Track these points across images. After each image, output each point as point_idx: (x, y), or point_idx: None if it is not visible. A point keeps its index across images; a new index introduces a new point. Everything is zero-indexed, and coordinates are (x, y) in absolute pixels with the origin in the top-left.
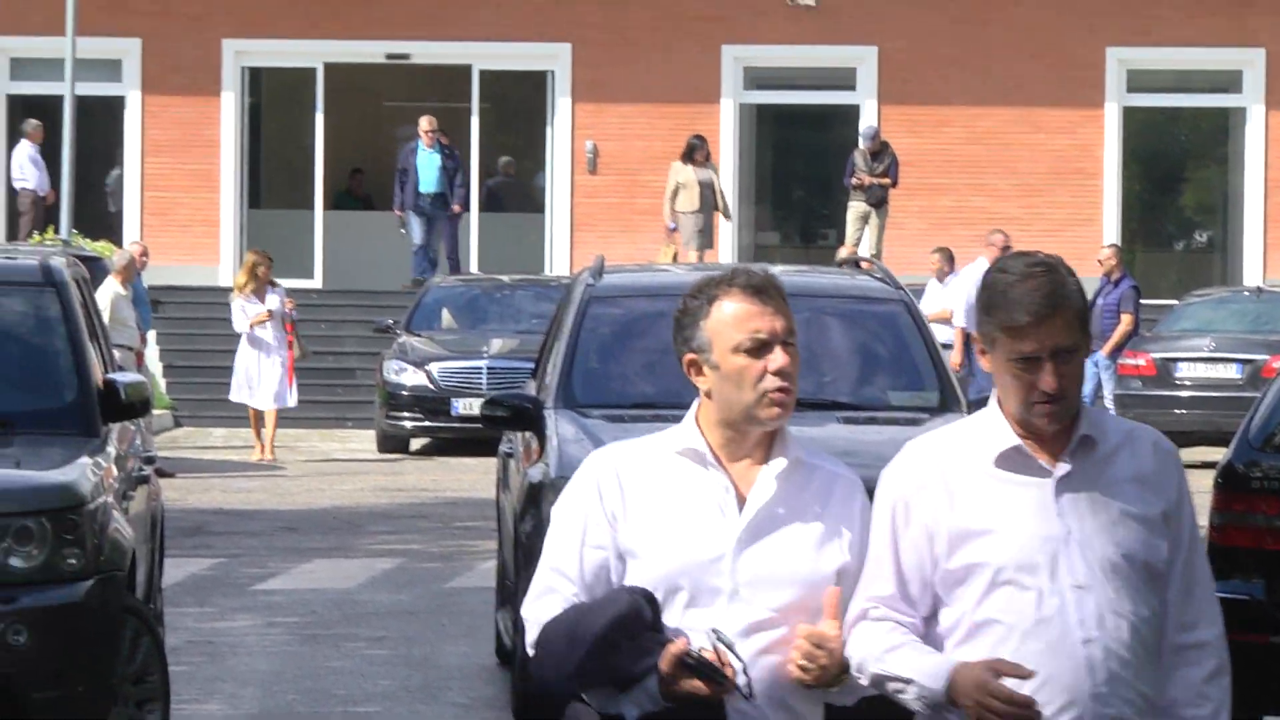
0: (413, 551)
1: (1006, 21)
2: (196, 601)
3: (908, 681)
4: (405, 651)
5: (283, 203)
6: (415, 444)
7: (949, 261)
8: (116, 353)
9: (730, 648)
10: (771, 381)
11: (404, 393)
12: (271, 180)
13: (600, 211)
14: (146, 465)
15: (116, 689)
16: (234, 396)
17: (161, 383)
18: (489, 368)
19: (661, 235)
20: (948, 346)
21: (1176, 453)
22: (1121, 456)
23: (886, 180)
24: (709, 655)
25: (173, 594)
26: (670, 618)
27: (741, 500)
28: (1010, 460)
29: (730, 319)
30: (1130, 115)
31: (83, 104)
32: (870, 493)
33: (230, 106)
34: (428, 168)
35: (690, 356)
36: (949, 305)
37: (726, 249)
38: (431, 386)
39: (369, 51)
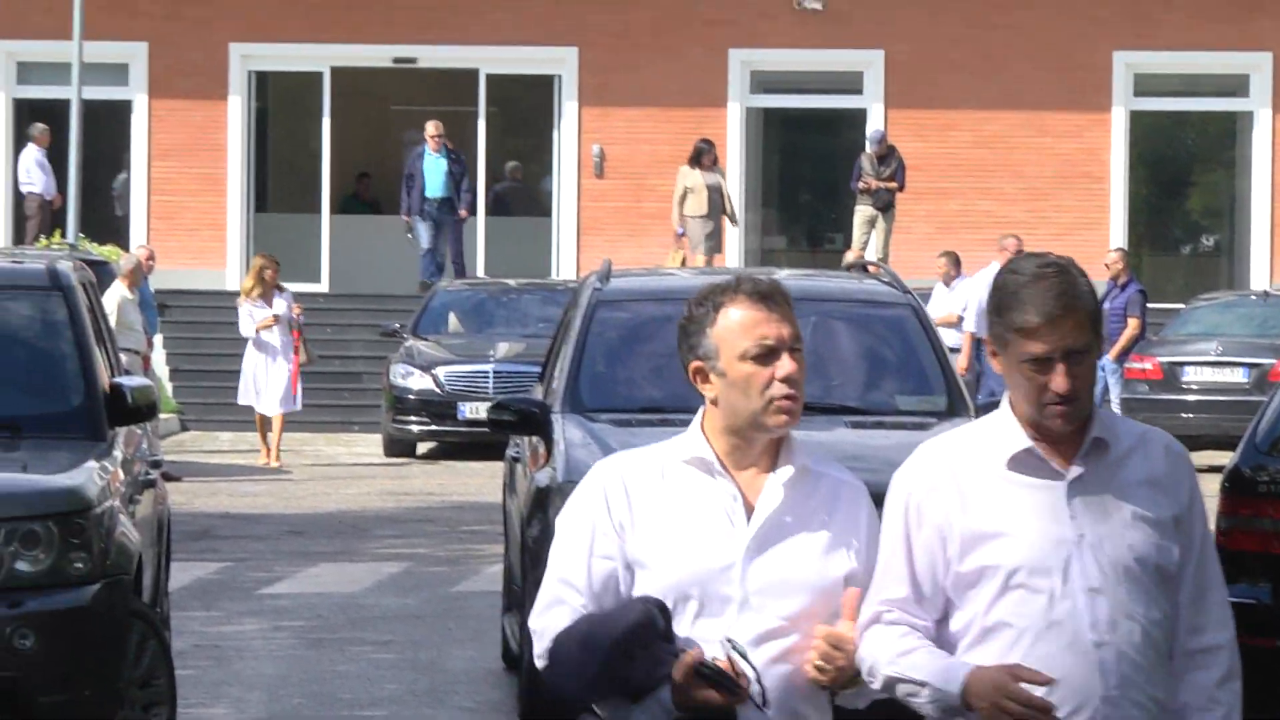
0: (419, 555)
1: (1013, 25)
2: (203, 605)
3: (921, 684)
4: (411, 656)
5: (289, 207)
6: (422, 448)
7: (955, 265)
8: (123, 357)
9: (744, 656)
10: (779, 389)
11: (410, 397)
12: (278, 184)
13: (607, 215)
14: (153, 469)
15: (123, 692)
16: (241, 400)
17: (168, 386)
18: (495, 372)
19: (669, 239)
20: (955, 350)
21: (1188, 456)
22: (1134, 459)
23: (893, 184)
24: (723, 664)
25: (179, 598)
26: (680, 627)
27: (749, 508)
28: (1022, 462)
29: (737, 326)
30: (1137, 119)
31: (89, 108)
32: (876, 498)
33: (237, 110)
34: (434, 172)
35: (696, 364)
36: (955, 309)
37: (733, 253)
38: (438, 390)
39: (375, 55)
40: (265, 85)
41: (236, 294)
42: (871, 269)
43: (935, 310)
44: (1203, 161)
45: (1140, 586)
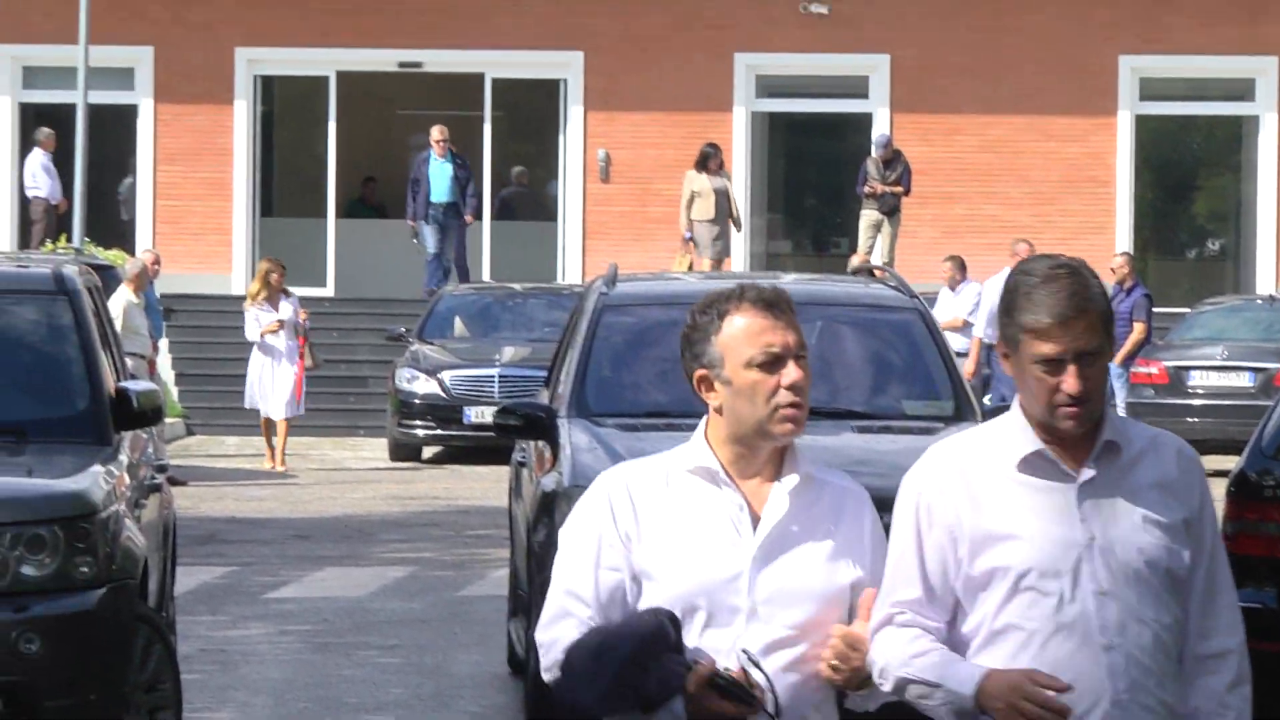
0: (425, 560)
1: (1019, 30)
2: (208, 610)
3: (935, 686)
4: (417, 660)
5: (295, 211)
6: (427, 452)
7: (961, 270)
8: (129, 361)
9: (759, 667)
10: (785, 396)
11: (416, 401)
12: (284, 188)
13: (612, 220)
14: (158, 473)
15: (128, 697)
16: (249, 404)
17: (174, 391)
18: (501, 376)
19: (674, 244)
20: (962, 355)
21: (1199, 460)
22: (1145, 463)
23: (899, 188)
24: (736, 675)
25: (185, 602)
26: (689, 638)
27: (755, 518)
28: (1033, 465)
29: (742, 334)
30: (1143, 123)
31: (95, 112)
32: (883, 503)
33: (243, 115)
34: (440, 177)
35: (701, 372)
36: (961, 313)
37: (738, 257)
38: (444, 395)
39: (381, 60)
40: (271, 89)
41: (242, 298)
42: (878, 273)
43: (941, 315)
44: (1209, 166)
45: (1150, 590)
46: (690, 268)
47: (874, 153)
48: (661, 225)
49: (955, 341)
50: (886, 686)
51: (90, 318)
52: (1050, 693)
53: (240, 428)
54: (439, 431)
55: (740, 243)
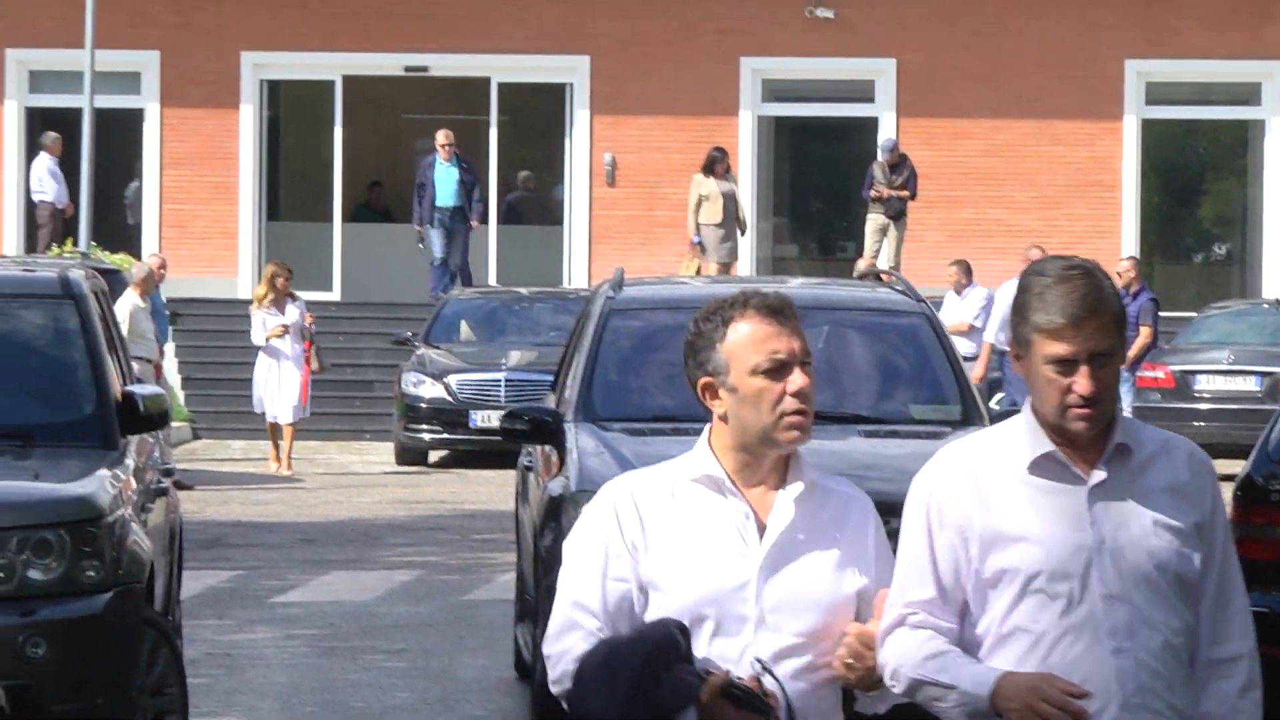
0: (431, 564)
1: (1025, 34)
2: (215, 614)
3: (949, 688)
4: (423, 664)
5: (301, 215)
6: (433, 456)
7: (966, 274)
8: (135, 365)
9: (772, 675)
10: (790, 403)
11: (422, 405)
12: (290, 193)
13: (619, 224)
14: (165, 477)
15: (135, 701)
16: (258, 408)
17: (180, 395)
18: (507, 380)
19: (681, 248)
20: (969, 359)
21: (1212, 464)
22: (1156, 466)
23: (905, 192)
24: (749, 684)
25: (191, 606)
26: (697, 647)
27: (761, 526)
28: (1043, 467)
29: (747, 340)
30: (1149, 128)
31: (101, 117)
32: (890, 507)
33: (249, 119)
34: (446, 181)
35: (706, 380)
36: (967, 318)
37: (745, 261)
38: (450, 399)
39: (387, 64)
40: (277, 94)
41: (248, 302)
42: (885, 277)
43: (946, 319)
44: (1215, 170)
45: (1160, 594)
46: (698, 272)
47: (880, 157)
48: (667, 229)
49: (961, 346)
50: (899, 688)
51: (96, 322)
52: (1068, 695)
53: (246, 432)
54: (445, 435)
55: (746, 247)
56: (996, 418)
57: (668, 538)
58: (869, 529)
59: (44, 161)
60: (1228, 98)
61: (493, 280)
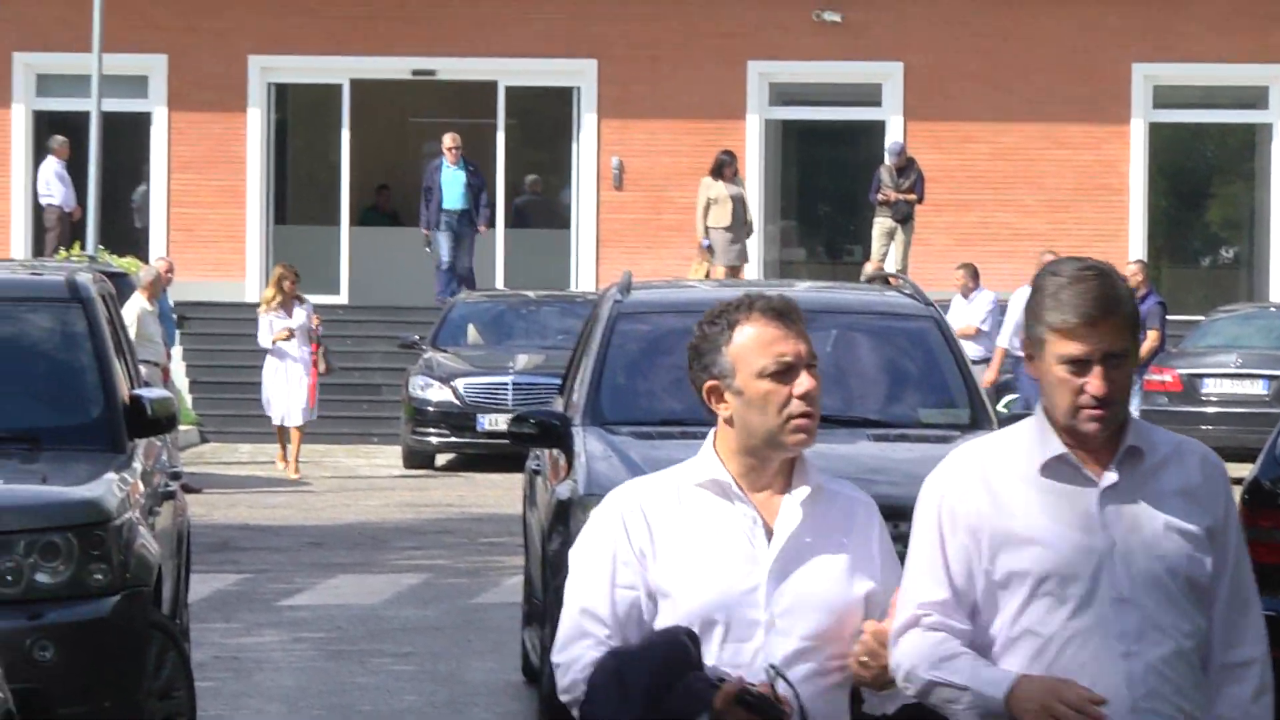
0: (438, 567)
1: (1032, 37)
2: (222, 617)
3: (963, 689)
4: (431, 667)
5: (309, 219)
6: (441, 459)
7: (974, 278)
8: (143, 368)
9: (786, 681)
10: (797, 406)
11: (430, 408)
12: (297, 196)
13: (626, 227)
14: (172, 481)
15: (142, 704)
16: (267, 409)
17: (188, 398)
18: (515, 383)
19: (689, 251)
20: (977, 363)
21: (1224, 468)
22: (1169, 469)
23: (912, 196)
24: (763, 690)
25: (199, 609)
26: (707, 653)
27: (768, 530)
28: (1055, 469)
29: (753, 343)
30: (1156, 131)
31: (109, 120)
32: (899, 511)
33: (256, 122)
34: (452, 185)
35: (711, 383)
36: (974, 321)
37: (752, 265)
38: (457, 402)
39: (395, 68)
40: (284, 97)
41: (256, 305)
42: (893, 281)
43: (954, 322)
44: (1222, 173)
45: (1170, 598)
46: (707, 275)
47: (887, 160)
48: (675, 233)
49: (968, 349)
50: (912, 690)
51: (104, 325)
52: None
53: (254, 435)
54: (453, 439)
55: (754, 250)
56: (1005, 421)
57: (676, 544)
58: (874, 531)
59: (51, 165)
60: (1235, 101)
61: (500, 284)
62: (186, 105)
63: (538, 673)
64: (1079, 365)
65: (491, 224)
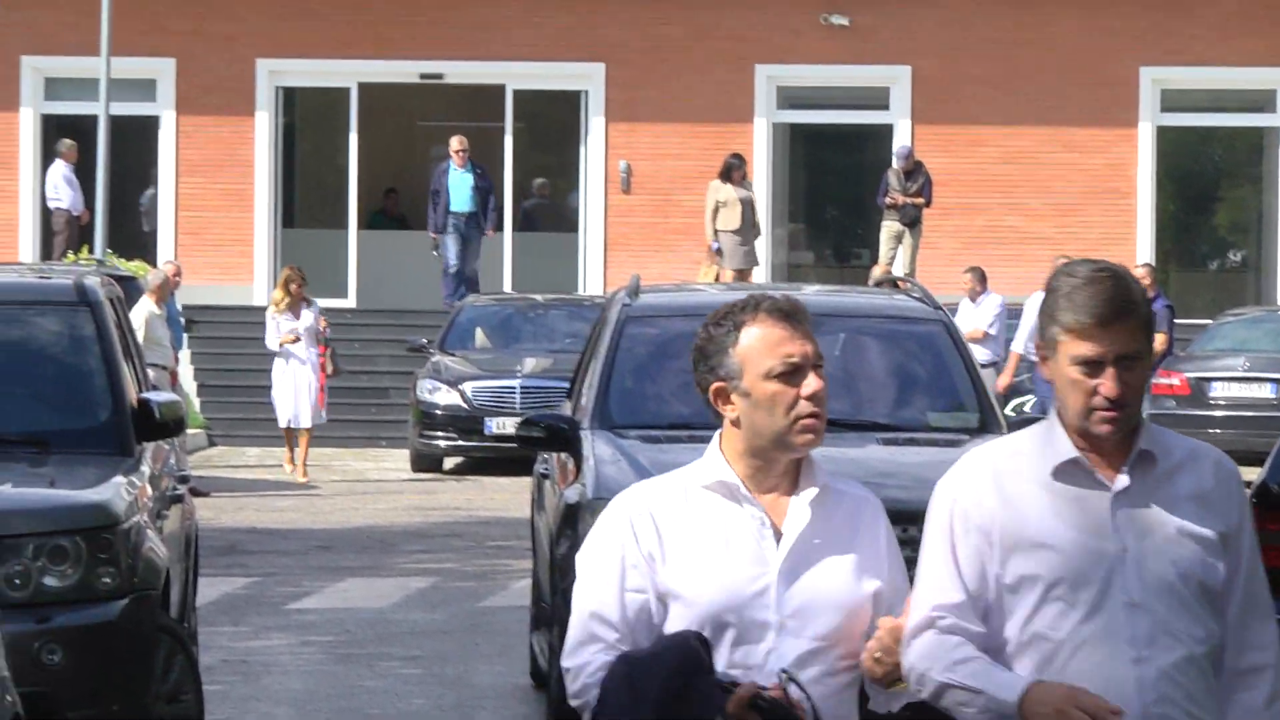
0: (446, 571)
1: (1040, 41)
2: (231, 621)
3: (976, 693)
4: (439, 671)
5: (317, 222)
6: (449, 463)
7: (981, 281)
8: (151, 372)
9: (799, 684)
10: (805, 407)
11: (438, 412)
12: (305, 200)
13: (634, 231)
14: (180, 484)
15: (151, 708)
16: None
17: (195, 402)
18: (523, 387)
19: (697, 255)
20: (984, 366)
21: (1239, 474)
22: (1183, 474)
23: (920, 200)
24: (776, 694)
25: (207, 613)
26: (718, 655)
27: (777, 531)
28: (1068, 473)
29: (761, 344)
30: (1164, 135)
31: (117, 124)
32: (908, 515)
33: (264, 126)
34: (460, 187)
35: (718, 385)
36: (981, 325)
37: (760, 268)
38: (465, 406)
39: (403, 71)
40: (293, 101)
41: (264, 309)
42: (901, 285)
43: (961, 326)
44: (1230, 177)
45: (1183, 603)
46: (716, 278)
47: (895, 164)
48: (683, 236)
49: (975, 353)
50: (925, 692)
51: (112, 329)
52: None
53: (261, 438)
54: (460, 442)
55: (761, 253)
56: (1014, 424)
57: (685, 547)
58: (880, 531)
59: (59, 168)
60: (1243, 105)
61: (508, 287)
62: (194, 109)
63: (546, 677)
64: (1092, 366)
65: (499, 227)
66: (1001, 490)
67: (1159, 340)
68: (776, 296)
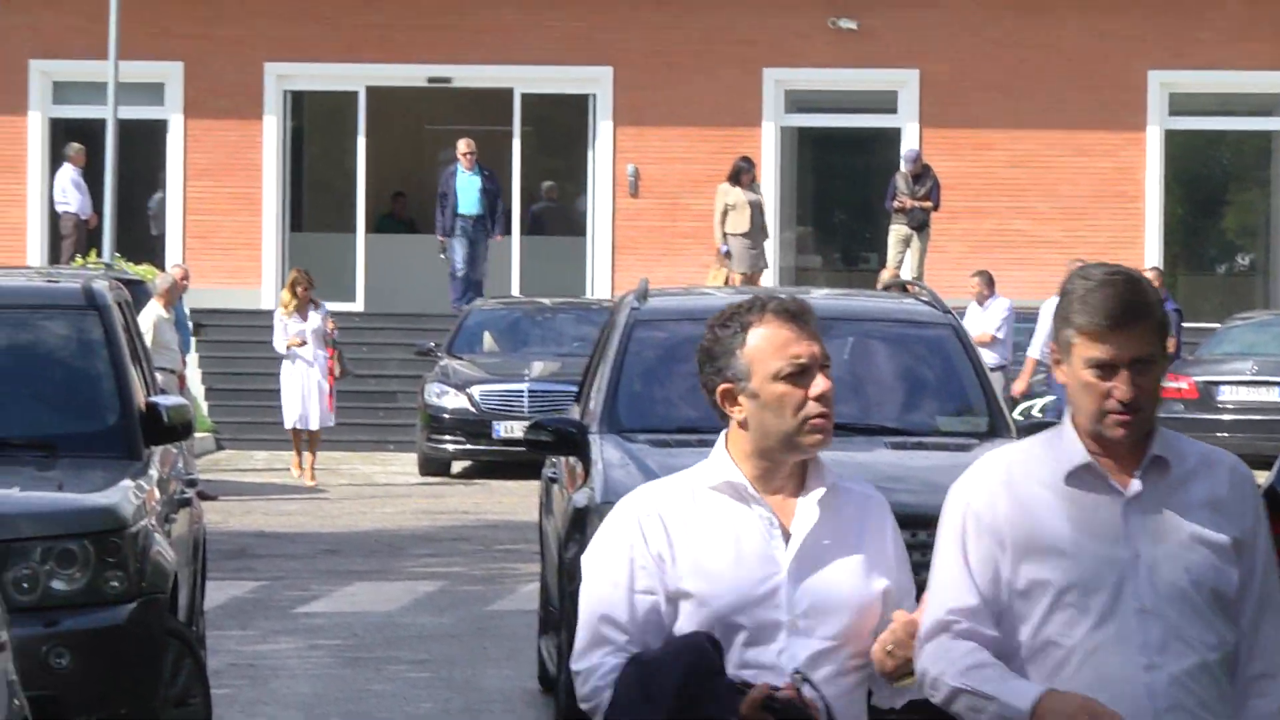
0: (454, 574)
1: (1048, 45)
2: (238, 624)
3: (989, 699)
4: (447, 674)
5: (324, 226)
6: (457, 467)
7: (989, 285)
8: (159, 376)
9: (812, 685)
10: (813, 408)
11: (445, 415)
12: (313, 203)
13: (641, 235)
14: (188, 488)
15: (159, 712)
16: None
17: (203, 405)
18: (530, 391)
19: (706, 258)
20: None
21: (1254, 480)
22: (1196, 480)
23: (928, 203)
24: (789, 694)
25: (215, 617)
26: (730, 655)
27: (785, 532)
28: (1081, 478)
29: (768, 345)
30: (1172, 138)
31: (125, 128)
32: (917, 519)
33: (272, 130)
34: (468, 190)
35: (725, 386)
36: (989, 329)
37: (769, 272)
38: (473, 409)
39: (411, 75)
40: (300, 105)
41: (272, 313)
42: (910, 288)
43: (969, 330)
44: (1238, 181)
45: (1196, 610)
46: (725, 281)
47: (903, 167)
48: (691, 240)
49: (986, 357)
50: (938, 697)
51: (120, 333)
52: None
53: (269, 442)
54: (468, 446)
55: (770, 257)
56: (1024, 429)
57: (695, 548)
58: (887, 529)
59: (68, 172)
60: (1251, 108)
61: (516, 291)
62: (203, 112)
63: (554, 680)
64: (1106, 369)
65: (507, 231)
66: (1014, 494)
67: (1167, 344)
68: (782, 297)
